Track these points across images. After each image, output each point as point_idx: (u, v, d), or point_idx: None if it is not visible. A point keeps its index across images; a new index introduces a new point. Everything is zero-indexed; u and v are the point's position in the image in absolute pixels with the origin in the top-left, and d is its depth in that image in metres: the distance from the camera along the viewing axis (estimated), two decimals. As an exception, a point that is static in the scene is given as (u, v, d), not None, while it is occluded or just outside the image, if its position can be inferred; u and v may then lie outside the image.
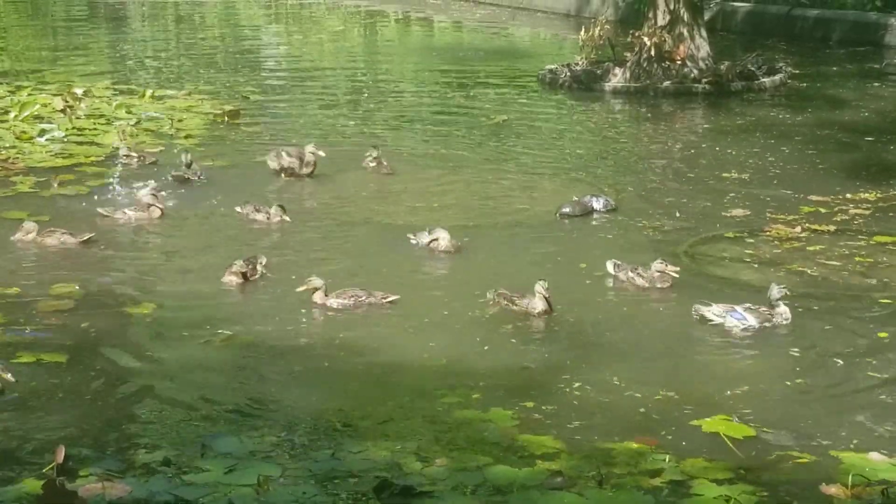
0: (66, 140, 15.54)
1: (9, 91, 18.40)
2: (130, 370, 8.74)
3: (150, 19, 29.34)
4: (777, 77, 19.28)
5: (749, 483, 7.05)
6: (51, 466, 7.13)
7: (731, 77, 18.97)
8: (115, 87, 19.14)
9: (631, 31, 19.79)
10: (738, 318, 9.43)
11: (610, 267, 10.41)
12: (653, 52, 18.86)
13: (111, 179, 13.57)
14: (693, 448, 7.50)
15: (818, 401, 8.25)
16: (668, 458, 7.31)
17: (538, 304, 9.69)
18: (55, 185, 13.41)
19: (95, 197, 13.05)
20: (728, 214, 12.38)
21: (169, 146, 15.28)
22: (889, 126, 16.49)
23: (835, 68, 20.97)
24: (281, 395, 8.30)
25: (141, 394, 8.35)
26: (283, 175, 13.76)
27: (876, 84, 19.57)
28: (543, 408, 8.07)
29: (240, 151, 15.22)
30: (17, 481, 7.06)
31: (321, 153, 13.83)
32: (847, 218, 12.15)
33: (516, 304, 9.72)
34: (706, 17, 20.86)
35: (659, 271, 10.20)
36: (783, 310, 9.45)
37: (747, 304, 9.50)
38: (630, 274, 10.26)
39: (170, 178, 13.51)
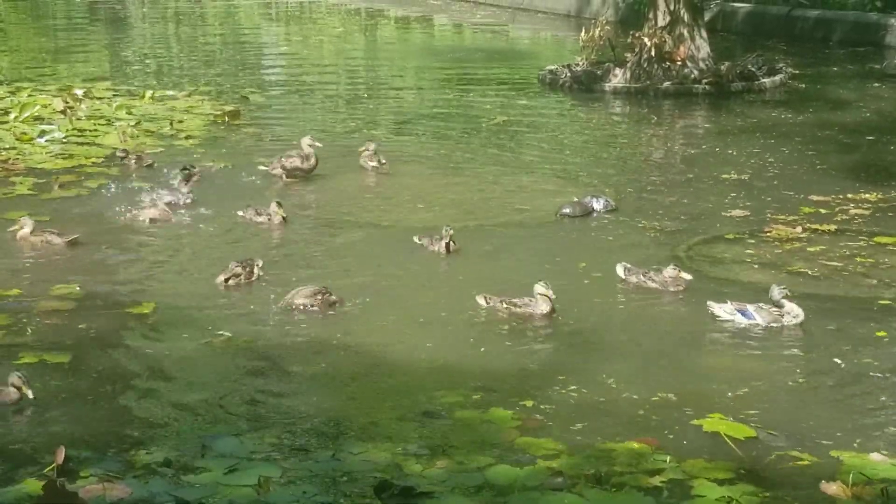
0: (66, 141, 15.55)
1: (9, 92, 18.43)
2: (131, 371, 8.74)
3: (150, 20, 29.34)
4: (777, 77, 19.28)
5: (750, 483, 7.05)
6: (51, 467, 7.13)
7: (732, 78, 18.98)
8: (116, 87, 19.16)
9: (631, 32, 19.80)
10: (747, 317, 9.44)
11: (620, 271, 10.36)
12: (653, 53, 18.87)
13: (132, 180, 13.57)
14: (694, 448, 7.49)
15: (819, 401, 8.24)
16: (668, 458, 7.31)
17: (541, 306, 9.67)
18: (56, 186, 13.41)
19: (107, 195, 13.08)
20: (728, 215, 12.37)
21: (169, 147, 15.29)
22: (889, 126, 16.49)
23: (835, 69, 20.98)
24: (281, 396, 8.30)
25: (141, 395, 8.35)
26: (284, 177, 13.74)
27: (876, 84, 19.57)
28: (543, 408, 8.07)
29: (240, 152, 15.22)
30: (17, 482, 7.06)
31: (317, 143, 13.85)
32: (847, 218, 12.15)
33: (519, 308, 9.69)
34: (706, 18, 20.88)
35: (672, 276, 10.16)
36: (792, 308, 9.44)
37: (759, 304, 9.50)
38: (642, 277, 10.22)
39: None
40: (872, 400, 8.28)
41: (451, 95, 19.26)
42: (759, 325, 9.41)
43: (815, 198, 12.79)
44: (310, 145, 13.78)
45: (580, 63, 19.80)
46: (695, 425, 7.79)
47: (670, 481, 7.08)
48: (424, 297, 10.19)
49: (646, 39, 18.95)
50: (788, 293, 9.51)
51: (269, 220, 12.08)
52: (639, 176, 14.28)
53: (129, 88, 19.12)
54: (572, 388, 8.39)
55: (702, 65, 19.07)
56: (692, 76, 18.88)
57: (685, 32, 19.08)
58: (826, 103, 18.11)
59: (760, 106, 18.04)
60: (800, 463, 7.33)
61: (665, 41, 18.91)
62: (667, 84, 18.74)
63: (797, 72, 20.02)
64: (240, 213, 12.33)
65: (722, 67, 19.10)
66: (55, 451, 7.21)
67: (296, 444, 7.56)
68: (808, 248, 11.25)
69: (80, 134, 15.92)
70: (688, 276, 10.17)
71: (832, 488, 6.95)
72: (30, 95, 18.03)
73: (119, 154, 14.49)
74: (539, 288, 9.70)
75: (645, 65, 18.96)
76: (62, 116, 16.68)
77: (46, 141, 15.50)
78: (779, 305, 9.47)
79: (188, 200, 12.79)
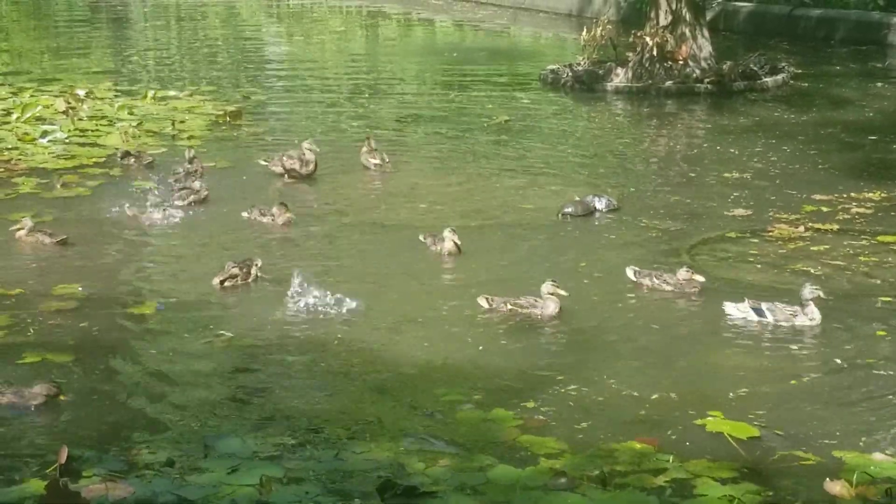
0: (68, 141, 15.55)
1: (11, 92, 18.43)
2: (133, 371, 8.74)
3: (151, 20, 29.35)
4: (779, 77, 19.27)
5: (753, 482, 7.04)
6: (54, 467, 7.13)
7: (734, 77, 18.97)
8: (118, 88, 19.16)
9: (633, 31, 19.79)
10: (760, 315, 9.43)
11: (630, 273, 10.32)
12: (655, 52, 18.86)
13: (152, 182, 13.58)
14: (697, 448, 7.49)
15: (822, 400, 8.23)
16: (671, 457, 7.30)
17: (549, 307, 9.65)
18: (58, 186, 13.41)
19: (109, 195, 13.11)
20: (731, 214, 12.36)
21: (171, 147, 15.29)
22: (892, 125, 16.47)
23: (837, 68, 20.96)
24: (283, 396, 8.30)
25: (143, 394, 8.35)
26: (286, 177, 13.76)
27: (879, 83, 19.56)
28: (546, 408, 8.07)
29: (242, 152, 15.22)
30: (20, 482, 7.06)
31: (315, 148, 13.85)
32: (850, 217, 12.14)
33: (525, 310, 9.67)
34: (708, 17, 20.86)
35: (685, 279, 10.12)
36: (811, 310, 9.41)
37: (774, 302, 9.48)
38: (655, 280, 10.19)
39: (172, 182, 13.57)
40: (875, 399, 8.27)
41: (453, 95, 19.26)
42: (771, 324, 9.39)
43: (817, 197, 12.78)
44: (309, 149, 13.77)
45: (582, 62, 19.80)
46: (698, 425, 7.79)
47: (673, 481, 7.08)
48: (426, 296, 10.19)
49: (647, 39, 18.94)
50: (821, 294, 9.49)
51: (273, 220, 12.07)
52: (641, 175, 14.27)
53: (131, 88, 19.12)
54: (574, 387, 8.38)
55: (704, 64, 19.06)
56: (694, 75, 18.87)
57: (687, 32, 19.07)
58: (828, 102, 18.09)
59: (762, 105, 18.03)
60: (803, 462, 7.33)
61: (667, 40, 18.90)
62: (669, 83, 18.72)
63: (799, 71, 20.00)
64: (244, 213, 12.32)
65: (724, 67, 19.09)
66: (58, 451, 7.20)
67: (298, 444, 7.56)
68: (811, 248, 11.24)
69: (81, 134, 15.92)
70: (700, 278, 10.11)
71: (836, 488, 6.94)
72: (32, 96, 18.04)
73: (119, 155, 14.47)
74: (548, 287, 9.67)
75: (647, 64, 18.94)
76: (64, 117, 16.67)
77: (48, 141, 15.49)
78: (803, 304, 9.43)
79: (204, 194, 12.79)
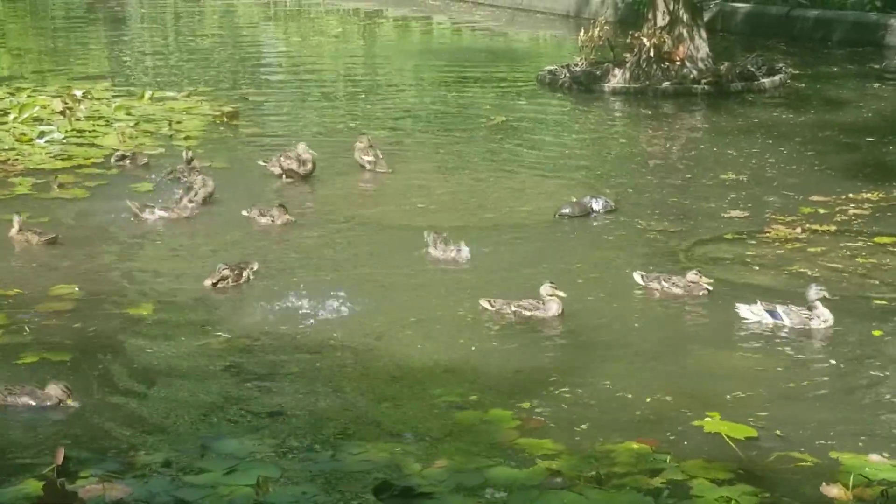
0: (65, 142, 15.54)
1: (8, 93, 18.42)
2: (130, 371, 8.74)
3: (148, 20, 29.34)
4: (777, 78, 19.27)
5: (749, 484, 7.04)
6: (51, 468, 7.13)
7: (731, 78, 18.96)
8: (115, 88, 19.15)
9: (630, 32, 19.79)
10: (775, 318, 9.41)
11: (637, 278, 10.28)
12: (652, 53, 18.85)
13: (163, 176, 13.58)
14: (694, 449, 7.49)
15: (818, 402, 8.24)
16: (668, 458, 7.31)
17: (553, 308, 9.65)
18: (55, 186, 13.41)
19: (106, 195, 13.12)
20: (728, 215, 12.36)
21: (168, 147, 15.28)
22: (889, 126, 16.47)
23: (835, 69, 20.96)
24: (280, 397, 8.30)
25: (141, 395, 8.35)
26: (283, 177, 13.75)
27: (876, 84, 19.56)
28: (543, 409, 8.07)
29: (239, 153, 15.22)
30: (17, 482, 7.06)
31: (311, 152, 13.84)
32: (847, 218, 12.14)
33: (528, 312, 9.65)
34: (706, 18, 20.86)
35: (693, 282, 10.09)
36: (822, 312, 9.41)
37: (789, 305, 9.48)
38: (664, 283, 10.16)
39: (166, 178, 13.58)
40: (873, 400, 8.27)
41: (450, 96, 19.26)
42: (787, 327, 9.37)
43: (814, 198, 12.78)
44: (305, 150, 13.77)
45: (579, 63, 19.79)
46: (695, 426, 7.79)
47: (670, 482, 7.08)
48: (423, 297, 10.19)
49: (645, 39, 18.93)
50: (826, 295, 9.49)
51: (272, 220, 12.06)
52: (638, 176, 14.27)
53: (128, 89, 19.11)
54: (572, 388, 8.38)
55: (701, 65, 19.06)
56: (691, 76, 18.87)
57: (684, 32, 19.06)
58: (826, 103, 18.09)
59: (760, 106, 18.02)
60: (799, 464, 7.33)
61: (664, 41, 18.90)
62: (666, 84, 18.72)
63: (797, 72, 20.00)
64: (244, 212, 12.32)
65: (721, 67, 19.08)
66: (55, 452, 7.20)
67: (295, 445, 7.56)
68: (808, 249, 11.24)
69: (79, 135, 15.92)
70: (708, 282, 10.07)
71: (833, 490, 6.95)
72: (29, 96, 18.03)
73: (115, 157, 14.44)
74: (547, 289, 9.66)
75: (644, 65, 18.94)
76: (61, 117, 16.67)
77: (46, 142, 15.49)
78: (811, 306, 9.43)
79: (210, 189, 12.78)
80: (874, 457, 7.35)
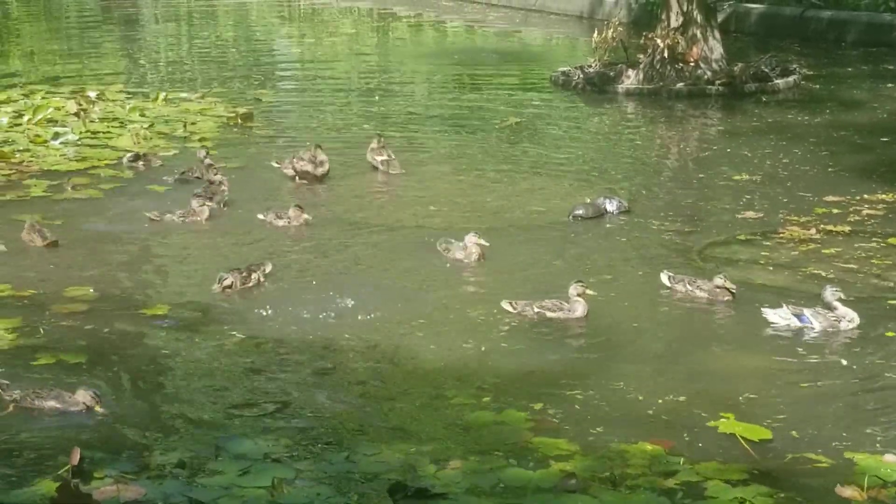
0: (79, 143, 15.57)
1: (22, 94, 18.46)
2: (144, 372, 8.76)
3: (162, 22, 29.38)
4: (791, 78, 19.24)
5: (764, 485, 7.04)
6: (66, 468, 7.14)
7: (745, 79, 18.94)
8: (129, 90, 19.18)
9: (644, 33, 19.75)
10: (804, 322, 9.38)
11: (665, 279, 10.24)
12: (666, 54, 18.83)
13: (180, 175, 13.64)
14: (708, 450, 7.49)
15: (833, 403, 8.22)
16: (682, 459, 7.30)
17: (578, 309, 9.63)
18: (69, 188, 13.44)
19: (121, 196, 13.15)
20: (742, 216, 12.35)
21: (182, 149, 15.30)
22: (904, 127, 16.46)
23: (849, 69, 20.93)
24: (294, 398, 8.31)
25: (155, 396, 8.36)
26: (297, 178, 13.76)
27: (890, 85, 19.51)
28: (557, 410, 8.07)
29: (253, 154, 15.23)
30: (32, 483, 7.08)
31: (324, 156, 13.87)
32: (861, 219, 12.12)
33: (553, 313, 9.63)
34: (719, 19, 20.83)
35: (719, 286, 10.03)
36: (847, 312, 9.39)
37: (816, 308, 9.45)
38: (688, 287, 10.12)
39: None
40: (887, 401, 8.26)
41: (464, 97, 19.25)
42: (815, 330, 9.35)
43: (829, 199, 12.76)
44: (322, 154, 13.81)
45: (593, 64, 19.77)
46: (709, 427, 7.78)
47: (684, 483, 7.08)
48: (437, 298, 10.19)
49: (658, 40, 18.91)
50: (842, 296, 9.47)
51: (289, 222, 12.06)
52: (652, 177, 14.26)
53: (142, 90, 19.14)
54: (585, 389, 8.38)
55: (715, 66, 19.03)
56: (705, 77, 18.85)
57: (698, 33, 19.04)
58: (840, 104, 18.06)
59: (774, 107, 18.00)
60: (814, 465, 7.32)
61: (678, 42, 18.87)
62: (680, 85, 18.70)
63: (811, 72, 19.97)
64: (260, 215, 12.31)
65: (735, 68, 19.06)
66: (70, 453, 7.22)
67: (309, 446, 7.57)
68: (822, 250, 11.22)
69: (93, 136, 15.94)
70: (733, 287, 9.99)
71: (847, 491, 6.94)
72: (43, 98, 18.06)
73: (129, 158, 14.45)
74: (576, 289, 9.64)
75: (658, 66, 18.92)
76: (75, 119, 16.69)
77: (60, 143, 15.52)
78: (830, 308, 9.41)
79: (224, 188, 12.80)
80: (889, 457, 7.34)
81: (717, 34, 19.32)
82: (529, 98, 19.05)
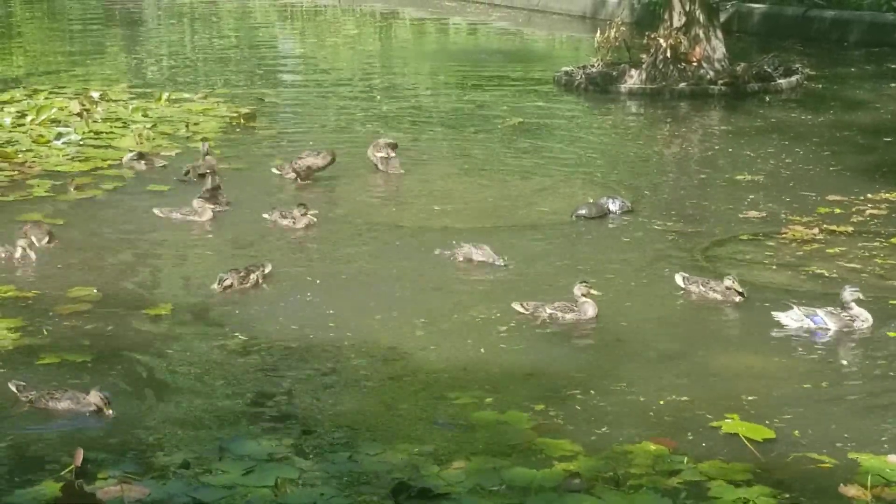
0: (82, 143, 15.58)
1: (26, 94, 18.46)
2: (148, 372, 8.76)
3: (165, 22, 29.39)
4: (793, 78, 19.24)
5: (767, 485, 7.04)
6: (70, 469, 7.15)
7: (748, 78, 18.94)
8: (132, 90, 19.18)
9: (646, 33, 19.75)
10: (818, 323, 9.37)
11: (679, 280, 10.21)
12: (668, 54, 18.83)
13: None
14: (711, 450, 7.49)
15: (837, 403, 8.23)
16: (686, 459, 7.30)
17: (589, 310, 9.62)
18: (72, 188, 13.44)
19: (124, 196, 13.17)
20: (745, 216, 12.35)
21: (185, 149, 15.30)
22: (906, 127, 16.46)
23: (852, 69, 20.93)
24: (297, 398, 8.31)
25: (159, 396, 8.36)
26: (298, 180, 13.75)
27: (893, 85, 19.52)
28: (560, 410, 8.07)
29: (256, 154, 15.23)
30: (35, 483, 7.08)
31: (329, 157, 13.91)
32: (864, 219, 12.12)
33: (566, 314, 9.60)
34: (722, 19, 20.81)
35: (728, 287, 9.99)
36: (861, 312, 9.38)
37: (829, 308, 9.44)
38: (702, 288, 10.09)
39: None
40: (890, 401, 8.26)
41: (467, 97, 19.25)
42: (831, 331, 9.33)
43: (832, 198, 12.76)
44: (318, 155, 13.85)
45: (595, 64, 19.77)
46: (713, 427, 7.79)
47: (687, 483, 7.08)
48: (440, 298, 10.19)
49: (661, 40, 18.91)
50: (861, 296, 9.46)
51: (293, 222, 12.05)
52: (655, 177, 14.26)
53: (145, 91, 19.14)
54: (589, 389, 8.38)
55: (717, 66, 19.03)
56: (708, 77, 18.85)
57: (701, 33, 19.04)
58: (842, 104, 18.06)
59: (776, 107, 18.00)
60: (818, 465, 7.32)
61: (680, 42, 18.87)
62: (682, 85, 18.71)
63: (813, 72, 19.97)
64: (265, 215, 12.31)
65: (738, 68, 19.06)
66: (74, 453, 7.23)
67: (313, 446, 7.57)
68: (825, 250, 11.23)
69: (96, 136, 15.94)
70: (740, 289, 9.94)
71: (851, 491, 6.94)
72: (46, 98, 18.07)
73: (131, 158, 14.45)
74: (581, 289, 9.63)
75: (660, 66, 18.92)
76: (78, 119, 16.70)
77: (63, 143, 15.52)
78: (847, 308, 9.39)
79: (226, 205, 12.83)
80: (893, 458, 7.34)
81: (719, 34, 19.31)
82: (532, 98, 19.05)
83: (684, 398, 8.22)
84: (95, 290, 10.33)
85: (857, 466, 7.26)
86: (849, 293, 9.44)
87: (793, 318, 9.42)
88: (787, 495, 6.94)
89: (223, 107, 17.83)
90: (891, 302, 9.93)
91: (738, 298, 9.93)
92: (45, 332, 9.46)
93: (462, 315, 9.79)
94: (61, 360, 8.88)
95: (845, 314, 9.36)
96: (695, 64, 18.92)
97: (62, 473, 7.16)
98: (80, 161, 14.73)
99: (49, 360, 8.88)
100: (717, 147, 15.76)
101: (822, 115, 17.30)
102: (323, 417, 8.00)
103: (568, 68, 20.02)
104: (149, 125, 16.46)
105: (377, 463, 7.31)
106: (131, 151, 14.74)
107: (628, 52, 19.92)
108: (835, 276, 10.53)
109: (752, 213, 12.41)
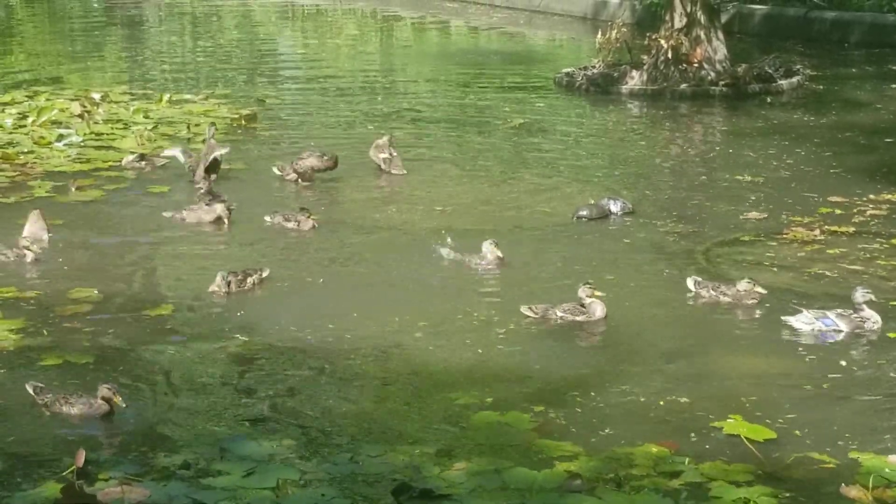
0: (83, 145, 15.57)
1: (27, 96, 18.46)
2: (149, 374, 8.76)
3: (166, 24, 29.39)
4: (794, 79, 19.23)
5: (768, 485, 7.04)
6: (71, 470, 7.15)
7: (749, 79, 18.93)
8: (133, 91, 19.18)
9: (648, 34, 19.73)
10: (828, 325, 9.35)
11: (690, 284, 10.17)
12: (669, 55, 18.82)
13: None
14: (713, 451, 7.49)
15: (838, 404, 8.23)
16: (687, 460, 7.30)
17: (597, 311, 9.62)
18: (73, 189, 13.44)
19: (124, 198, 13.20)
20: (746, 217, 12.35)
21: (186, 151, 15.28)
22: (908, 128, 16.45)
23: (853, 70, 20.93)
24: (298, 399, 8.31)
25: (159, 397, 8.36)
26: (299, 181, 13.75)
27: (894, 86, 19.51)
28: (561, 410, 8.07)
29: (257, 156, 15.22)
30: (37, 484, 7.08)
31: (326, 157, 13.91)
32: (865, 220, 12.12)
33: (576, 316, 9.59)
34: (723, 20, 20.81)
35: (745, 290, 9.96)
36: (872, 314, 9.37)
37: (839, 310, 9.43)
38: (712, 292, 10.04)
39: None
40: (891, 402, 8.26)
41: (468, 98, 19.24)
42: (843, 332, 9.32)
43: (833, 199, 12.76)
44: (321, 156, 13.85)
45: (596, 65, 19.77)
46: (714, 428, 7.79)
47: (689, 484, 7.08)
48: (441, 300, 10.19)
49: (662, 41, 18.90)
50: (873, 298, 9.45)
51: (298, 225, 12.03)
52: (656, 178, 14.26)
53: (146, 92, 19.14)
54: (590, 390, 8.38)
55: (718, 67, 19.02)
56: (709, 78, 18.85)
57: (702, 34, 19.03)
58: (844, 105, 18.05)
59: (777, 108, 17.99)
60: (819, 465, 7.32)
61: (682, 43, 18.86)
62: (683, 86, 18.70)
63: (814, 73, 19.96)
64: (267, 218, 12.29)
65: (739, 69, 19.05)
66: (75, 454, 7.23)
67: (314, 447, 7.57)
68: (827, 251, 11.23)
69: (97, 138, 15.94)
70: (762, 291, 9.94)
71: (852, 492, 6.94)
72: (47, 99, 18.06)
73: (132, 160, 14.44)
74: (585, 291, 9.62)
75: (661, 67, 18.91)
76: (80, 120, 16.70)
77: (64, 145, 15.51)
78: (858, 309, 9.38)
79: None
80: (894, 458, 7.34)
81: (720, 35, 19.30)
82: (533, 99, 19.04)
83: (686, 399, 8.22)
84: (96, 292, 10.33)
85: (859, 467, 7.26)
86: (861, 294, 9.42)
87: (804, 322, 9.39)
88: (789, 496, 6.95)
89: (224, 108, 17.82)
90: (891, 303, 9.92)
91: (753, 301, 9.88)
92: (46, 334, 9.46)
93: (463, 316, 9.79)
94: (63, 361, 8.89)
95: (856, 316, 9.35)
96: (696, 65, 18.91)
97: (63, 474, 7.15)
98: (81, 162, 14.73)
99: (51, 362, 8.88)
100: (717, 148, 15.76)
101: (823, 115, 17.30)
102: (324, 418, 8.00)
103: (569, 69, 20.01)
104: (150, 126, 16.46)
105: (378, 464, 7.31)
106: (133, 153, 14.73)
107: (629, 53, 19.92)
108: (836, 276, 10.54)
109: (754, 214, 12.41)
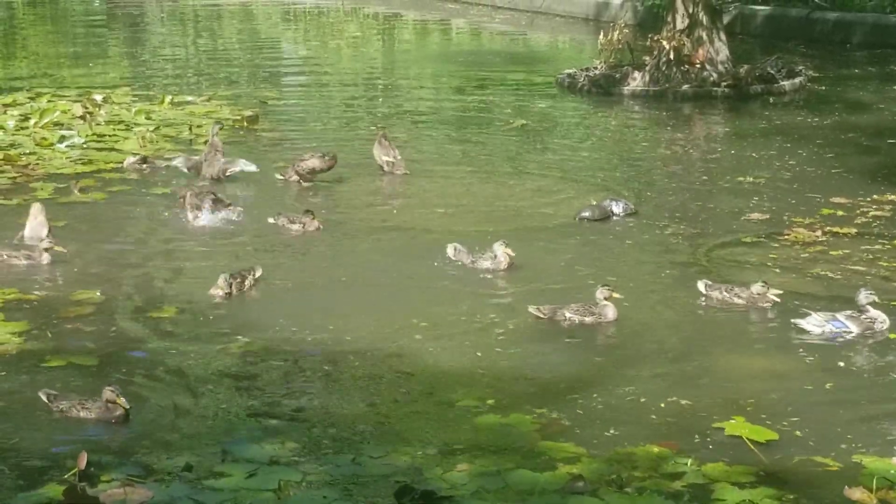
0: (85, 146, 15.57)
1: (29, 97, 18.46)
2: (152, 376, 8.75)
3: (168, 25, 29.40)
4: (797, 80, 19.23)
5: (771, 487, 7.03)
6: (73, 472, 7.15)
7: (751, 80, 18.94)
8: (135, 93, 19.18)
9: (650, 35, 19.74)
10: (839, 327, 9.33)
11: (701, 287, 10.12)
12: (672, 56, 18.83)
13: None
14: (715, 452, 7.49)
15: (841, 405, 8.22)
16: (689, 461, 7.30)
17: (609, 313, 9.61)
18: (75, 191, 13.45)
19: (127, 199, 13.20)
20: (748, 218, 12.34)
21: (188, 152, 15.29)
22: (910, 129, 16.45)
23: (855, 71, 20.92)
24: (300, 401, 8.31)
25: (161, 399, 8.35)
26: (301, 182, 13.74)
27: (896, 87, 19.53)
28: (563, 412, 8.06)
29: (259, 158, 15.21)
30: (39, 486, 7.08)
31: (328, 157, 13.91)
32: (867, 221, 12.11)
33: (586, 318, 9.58)
34: (725, 21, 20.82)
35: (759, 293, 9.93)
36: (879, 314, 9.35)
37: (848, 312, 9.41)
38: (725, 294, 10.03)
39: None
40: (894, 403, 8.25)
41: (470, 99, 19.25)
42: (853, 334, 9.30)
43: (835, 200, 12.75)
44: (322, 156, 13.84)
45: (598, 66, 19.78)
46: (717, 429, 7.78)
47: (691, 485, 7.08)
48: (444, 301, 10.18)
49: (664, 42, 18.91)
50: (876, 299, 9.44)
51: (303, 227, 12.01)
52: (658, 179, 14.26)
53: (148, 93, 19.15)
54: (592, 392, 8.38)
55: (721, 67, 19.02)
56: (711, 79, 18.84)
57: (704, 35, 19.03)
58: (846, 106, 18.05)
59: (780, 109, 17.99)
60: (822, 467, 7.31)
61: (684, 44, 18.86)
62: (685, 87, 18.70)
63: (817, 74, 19.96)
64: (270, 220, 12.28)
65: (741, 70, 19.06)
66: (77, 456, 7.22)
67: (316, 449, 7.56)
68: (829, 252, 11.22)
69: (99, 139, 15.94)
70: (776, 297, 9.89)
71: (856, 493, 6.93)
72: (49, 101, 18.07)
73: (134, 161, 14.44)
74: (603, 293, 9.60)
75: (663, 68, 18.92)
76: (82, 122, 16.70)
77: (66, 146, 15.52)
78: (863, 310, 9.37)
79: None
80: (897, 460, 7.35)
81: (722, 36, 19.30)
82: (535, 100, 19.04)
83: (689, 401, 8.21)
84: (99, 293, 10.33)
85: (862, 469, 7.25)
86: (864, 296, 9.41)
87: (814, 324, 9.37)
88: (791, 497, 6.94)
89: (226, 109, 17.83)
90: (892, 303, 9.91)
91: (767, 304, 9.86)
92: (50, 336, 9.46)
93: (466, 317, 9.78)
94: (67, 363, 8.89)
95: (866, 317, 9.34)
96: (698, 66, 18.91)
97: (66, 476, 7.15)
98: (83, 164, 14.73)
99: (54, 364, 8.88)
100: (720, 149, 15.75)
101: (825, 116, 17.29)
102: (326, 420, 7.99)
103: (571, 70, 20.03)
104: (152, 128, 16.46)
105: (381, 465, 7.31)
106: (134, 154, 14.73)
107: (631, 54, 19.92)
108: (839, 278, 10.52)
109: (756, 215, 12.40)
